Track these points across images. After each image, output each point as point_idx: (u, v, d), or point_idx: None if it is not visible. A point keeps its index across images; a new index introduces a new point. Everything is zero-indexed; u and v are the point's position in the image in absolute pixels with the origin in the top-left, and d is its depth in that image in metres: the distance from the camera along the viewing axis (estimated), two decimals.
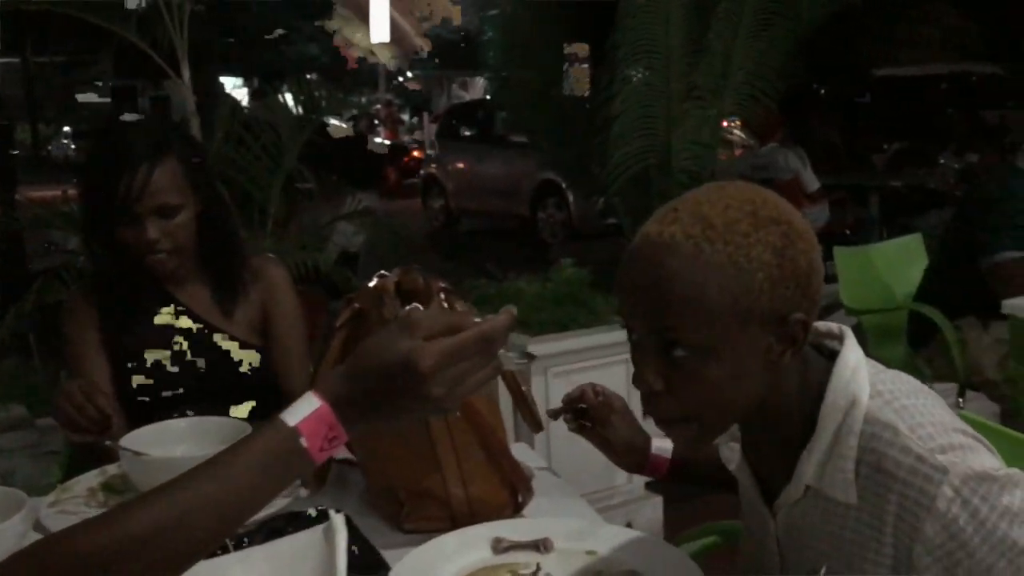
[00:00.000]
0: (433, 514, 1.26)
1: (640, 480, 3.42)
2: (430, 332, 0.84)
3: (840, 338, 1.02)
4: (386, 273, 1.35)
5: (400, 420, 0.86)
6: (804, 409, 0.98)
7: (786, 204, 0.97)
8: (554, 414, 1.33)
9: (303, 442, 0.81)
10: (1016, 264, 2.86)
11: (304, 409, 0.82)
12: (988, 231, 2.97)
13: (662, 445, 1.33)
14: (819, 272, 0.95)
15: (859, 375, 0.98)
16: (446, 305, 1.30)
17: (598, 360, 3.29)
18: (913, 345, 3.32)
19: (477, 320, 0.86)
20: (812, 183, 6.48)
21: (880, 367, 1.02)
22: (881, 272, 3.66)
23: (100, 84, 19.60)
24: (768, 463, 1.06)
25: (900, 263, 3.68)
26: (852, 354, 1.00)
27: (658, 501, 3.40)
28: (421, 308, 1.24)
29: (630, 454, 1.32)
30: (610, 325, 3.36)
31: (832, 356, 1.00)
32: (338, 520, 0.93)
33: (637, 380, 0.96)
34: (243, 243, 1.89)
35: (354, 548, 1.13)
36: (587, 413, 1.32)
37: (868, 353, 1.03)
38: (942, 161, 7.59)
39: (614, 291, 0.99)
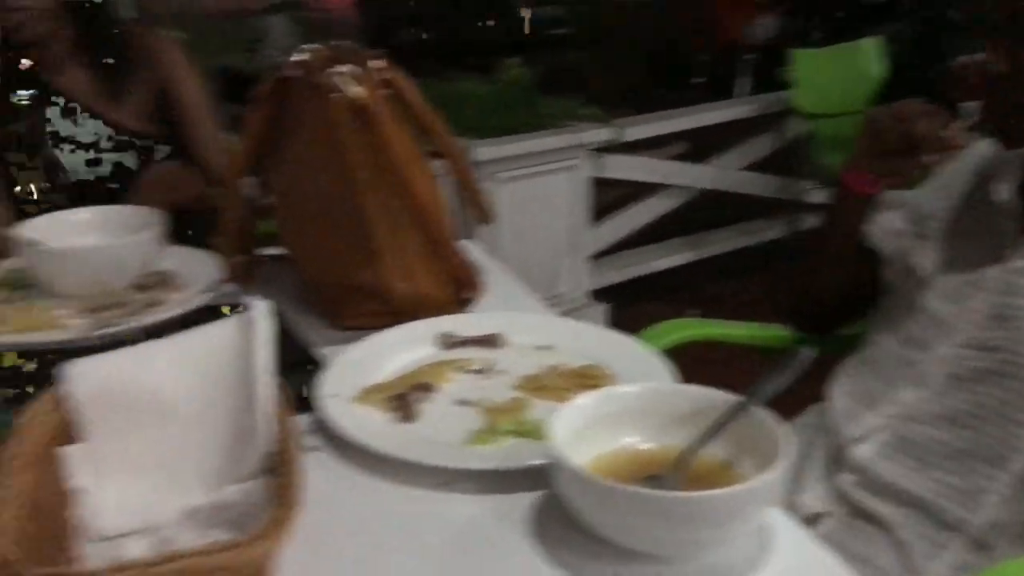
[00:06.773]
0: (373, 309, 1.15)
1: (583, 288, 3.37)
2: None
3: None
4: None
5: None
6: None
7: None
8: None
9: None
10: (967, 67, 2.77)
11: None
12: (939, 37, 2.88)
13: None
14: None
15: None
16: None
17: (545, 166, 3.15)
18: None
19: None
20: None
21: None
22: (838, 76, 3.53)
23: None
24: None
25: (858, 67, 3.55)
26: None
27: (602, 309, 3.37)
28: (360, 70, 1.09)
29: None
30: (557, 129, 3.20)
31: None
32: (261, 307, 0.80)
33: (992, 63, 1.12)
34: (129, 20, 1.70)
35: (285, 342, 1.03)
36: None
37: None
38: None
39: None
